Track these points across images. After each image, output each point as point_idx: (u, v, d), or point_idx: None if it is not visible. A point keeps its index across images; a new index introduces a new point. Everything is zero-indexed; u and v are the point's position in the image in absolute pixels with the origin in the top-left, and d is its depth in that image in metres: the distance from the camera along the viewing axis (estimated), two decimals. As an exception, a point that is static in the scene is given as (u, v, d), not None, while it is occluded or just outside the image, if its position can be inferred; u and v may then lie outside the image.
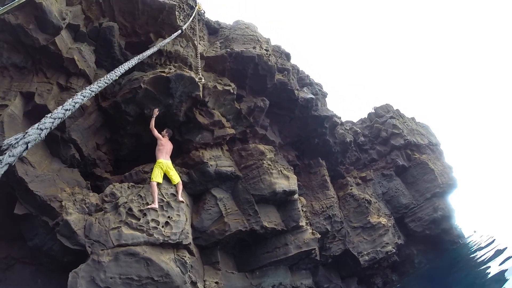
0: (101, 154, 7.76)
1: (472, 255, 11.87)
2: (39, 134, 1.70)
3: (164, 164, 6.82)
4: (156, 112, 7.10)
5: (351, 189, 10.88)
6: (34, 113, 6.27)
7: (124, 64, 3.85)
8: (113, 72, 3.50)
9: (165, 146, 7.00)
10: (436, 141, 14.94)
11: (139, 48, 7.62)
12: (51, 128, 1.92)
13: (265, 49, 8.73)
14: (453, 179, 13.15)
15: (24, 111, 6.30)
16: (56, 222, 6.18)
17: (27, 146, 1.53)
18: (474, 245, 13.40)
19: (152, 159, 7.52)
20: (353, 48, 74.48)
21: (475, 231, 16.00)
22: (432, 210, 12.10)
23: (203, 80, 7.00)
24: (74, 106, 2.40)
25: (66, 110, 2.25)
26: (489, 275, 8.45)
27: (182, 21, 8.08)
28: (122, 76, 7.55)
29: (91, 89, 2.76)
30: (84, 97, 2.58)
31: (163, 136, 7.12)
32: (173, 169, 6.96)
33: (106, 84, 3.11)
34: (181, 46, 7.80)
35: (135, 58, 4.28)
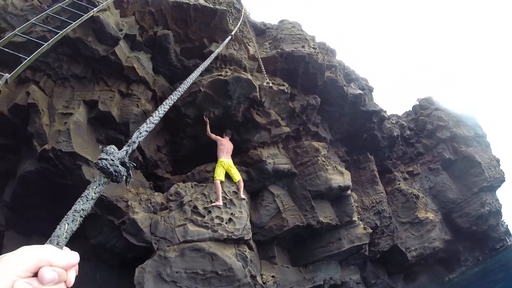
0: (162, 155, 8.18)
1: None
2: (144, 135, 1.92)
3: (225, 163, 7.13)
4: (207, 119, 7.43)
5: (399, 184, 10.86)
6: (98, 119, 6.73)
7: (193, 73, 4.05)
8: (187, 81, 3.72)
9: (225, 146, 7.32)
10: (482, 132, 14.37)
11: (193, 53, 7.91)
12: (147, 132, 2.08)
13: (312, 47, 8.86)
14: (501, 172, 12.73)
15: (88, 118, 6.71)
16: (122, 220, 6.55)
17: (139, 143, 1.79)
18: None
19: (210, 159, 7.86)
20: (393, 40, 71.45)
21: None
22: (480, 205, 11.80)
23: (271, 83, 7.26)
24: (159, 117, 2.50)
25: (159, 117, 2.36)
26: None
27: (232, 25, 8.33)
28: (180, 81, 7.99)
29: (172, 98, 2.84)
30: (170, 103, 2.67)
31: (223, 137, 7.48)
32: (234, 167, 7.27)
33: (184, 90, 3.28)
34: (234, 49, 8.08)
35: (200, 67, 4.46)
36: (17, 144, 7.09)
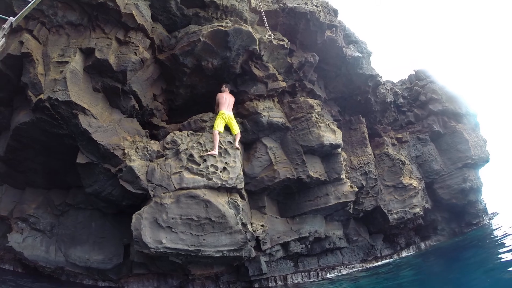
0: (158, 104, 8.26)
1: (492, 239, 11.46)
2: None
3: (226, 115, 7.30)
4: None
5: (387, 149, 11.16)
6: (95, 67, 6.70)
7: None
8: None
9: (226, 99, 7.45)
10: (473, 112, 14.56)
11: (194, 1, 7.72)
12: None
13: (315, 5, 8.77)
14: (486, 152, 13.02)
15: (84, 66, 6.68)
16: (119, 168, 6.71)
17: None
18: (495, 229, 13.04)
19: (205, 109, 7.99)
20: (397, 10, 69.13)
21: (496, 213, 15.78)
22: (462, 180, 12.15)
23: (272, 36, 7.24)
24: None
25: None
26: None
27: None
28: (178, 29, 7.86)
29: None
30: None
31: (223, 91, 7.53)
32: (234, 120, 7.46)
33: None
34: (236, 0, 7.92)
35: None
36: (9, 96, 7.03)
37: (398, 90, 12.63)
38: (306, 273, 9.25)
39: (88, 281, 8.12)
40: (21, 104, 6.83)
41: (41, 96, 6.20)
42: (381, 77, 10.89)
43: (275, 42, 7.82)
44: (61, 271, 8.05)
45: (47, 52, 6.61)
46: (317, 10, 8.70)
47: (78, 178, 7.35)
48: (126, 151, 6.79)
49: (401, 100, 12.64)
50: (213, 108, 7.76)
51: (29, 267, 8.19)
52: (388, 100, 11.38)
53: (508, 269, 6.97)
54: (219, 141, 7.12)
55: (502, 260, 7.85)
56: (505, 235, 10.34)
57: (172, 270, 7.62)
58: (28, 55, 6.41)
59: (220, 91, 7.72)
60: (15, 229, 7.86)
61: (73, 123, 6.46)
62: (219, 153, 7.00)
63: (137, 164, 6.72)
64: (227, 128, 7.43)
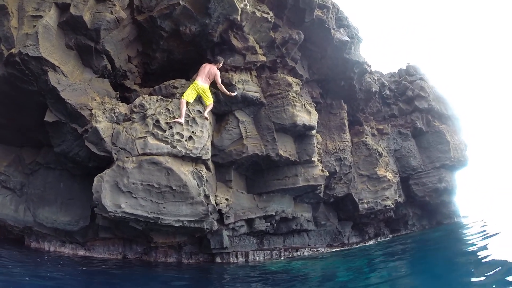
0: (132, 66, 8.05)
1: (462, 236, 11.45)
2: None
3: (199, 87, 7.10)
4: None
5: (366, 138, 11.11)
6: (69, 24, 6.49)
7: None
8: None
9: (206, 69, 7.24)
10: (458, 115, 14.51)
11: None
12: None
13: (309, -18, 8.42)
14: (465, 156, 13.07)
15: (59, 22, 6.48)
16: (85, 129, 6.61)
17: None
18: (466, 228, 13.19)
19: (180, 76, 7.80)
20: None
21: (465, 216, 16.06)
22: (438, 179, 12.22)
23: (248, 6, 7.00)
24: None
25: None
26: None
27: None
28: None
29: None
30: None
31: (214, 63, 7.41)
32: (208, 92, 7.26)
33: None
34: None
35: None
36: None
37: (385, 81, 12.49)
38: (268, 252, 9.36)
39: (55, 242, 8.12)
40: (-5, 58, 6.65)
41: (13, 50, 6.08)
42: (369, 65, 10.72)
43: (258, 14, 7.57)
44: (29, 231, 8.01)
45: (23, 5, 6.45)
46: (309, -14, 8.37)
47: (49, 136, 7.24)
48: (93, 112, 6.66)
49: (388, 92, 12.53)
50: (189, 75, 7.56)
51: (-1, 227, 8.13)
52: (373, 89, 11.25)
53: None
54: (188, 109, 6.98)
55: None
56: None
57: (135, 236, 7.62)
58: (3, 7, 6.31)
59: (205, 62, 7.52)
60: (-15, 187, 7.77)
61: (43, 79, 6.34)
62: (187, 121, 6.87)
63: (103, 125, 6.61)
64: (200, 99, 7.26)
